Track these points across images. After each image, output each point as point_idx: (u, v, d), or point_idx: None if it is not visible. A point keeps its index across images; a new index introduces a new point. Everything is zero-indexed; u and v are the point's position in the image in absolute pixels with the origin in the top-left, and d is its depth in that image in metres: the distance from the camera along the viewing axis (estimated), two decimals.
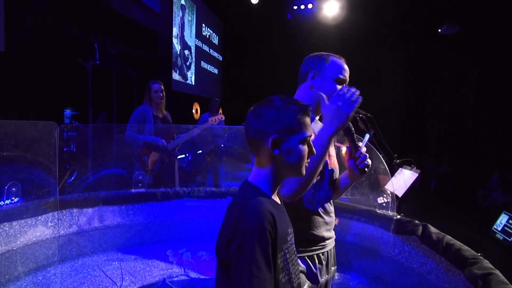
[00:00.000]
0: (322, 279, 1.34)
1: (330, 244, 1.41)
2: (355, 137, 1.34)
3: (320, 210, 1.36)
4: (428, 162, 8.24)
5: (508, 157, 7.12)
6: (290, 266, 0.98)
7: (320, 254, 1.35)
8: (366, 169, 1.34)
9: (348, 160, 1.37)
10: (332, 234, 1.42)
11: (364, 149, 1.34)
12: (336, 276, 1.46)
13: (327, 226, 1.38)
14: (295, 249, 1.05)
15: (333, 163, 1.45)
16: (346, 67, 1.44)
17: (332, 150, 1.47)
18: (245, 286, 0.85)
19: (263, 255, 0.86)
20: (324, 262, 1.36)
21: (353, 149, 1.34)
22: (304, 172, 1.03)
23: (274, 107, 0.98)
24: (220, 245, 0.94)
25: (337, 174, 1.47)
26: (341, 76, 1.41)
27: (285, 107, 0.98)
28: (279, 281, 0.92)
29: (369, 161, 1.34)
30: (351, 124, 1.33)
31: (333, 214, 1.44)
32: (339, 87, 1.39)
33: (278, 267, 0.92)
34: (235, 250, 0.87)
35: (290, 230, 1.04)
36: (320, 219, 1.36)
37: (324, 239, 1.37)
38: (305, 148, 1.00)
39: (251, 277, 0.84)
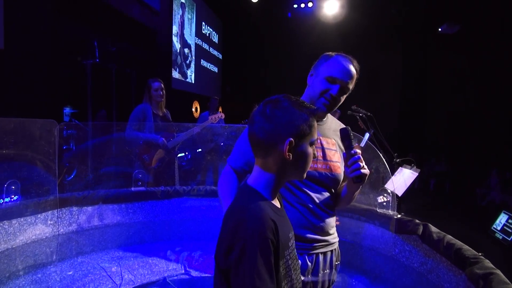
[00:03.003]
0: (304, 278, 1.27)
1: (321, 248, 1.33)
2: (352, 143, 1.21)
3: (303, 210, 1.30)
4: (427, 161, 8.25)
5: (507, 156, 7.14)
6: (292, 272, 0.95)
7: (306, 256, 1.29)
8: (359, 180, 1.20)
9: (345, 168, 1.25)
10: (324, 238, 1.34)
11: (358, 157, 1.20)
12: (335, 277, 1.41)
13: (315, 229, 1.31)
14: (296, 253, 1.02)
15: (332, 168, 1.36)
16: (349, 68, 1.34)
17: (334, 155, 1.39)
18: None
19: (265, 265, 0.82)
20: (310, 264, 1.30)
21: (348, 155, 1.21)
22: (305, 175, 1.01)
23: (287, 109, 0.93)
24: (219, 251, 0.90)
25: (339, 180, 1.38)
26: (334, 76, 1.32)
27: (298, 110, 0.94)
28: None
29: (365, 170, 1.20)
30: (349, 128, 1.24)
31: (328, 220, 1.35)
32: (329, 86, 1.33)
33: (281, 275, 0.89)
34: (236, 259, 0.83)
35: (291, 234, 1.00)
36: (304, 220, 1.30)
37: (308, 240, 1.30)
38: (311, 151, 0.98)
39: None
